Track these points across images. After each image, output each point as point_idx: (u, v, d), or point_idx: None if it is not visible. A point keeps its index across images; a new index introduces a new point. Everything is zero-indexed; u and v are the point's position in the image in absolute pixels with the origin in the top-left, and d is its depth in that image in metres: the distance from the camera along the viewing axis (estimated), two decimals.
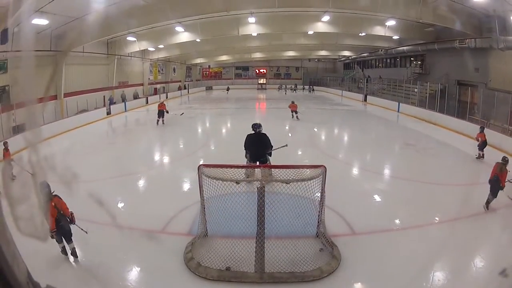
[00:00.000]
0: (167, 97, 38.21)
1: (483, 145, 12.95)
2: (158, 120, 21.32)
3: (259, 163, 9.27)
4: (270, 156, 9.56)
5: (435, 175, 11.36)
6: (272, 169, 6.26)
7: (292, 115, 23.26)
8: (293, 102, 23.78)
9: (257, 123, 9.74)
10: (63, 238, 6.19)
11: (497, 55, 19.74)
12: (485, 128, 13.66)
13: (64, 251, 6.29)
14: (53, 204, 5.97)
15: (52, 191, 5.99)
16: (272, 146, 9.43)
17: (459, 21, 20.13)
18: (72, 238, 6.28)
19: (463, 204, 8.95)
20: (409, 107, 25.77)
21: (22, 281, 1.32)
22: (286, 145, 9.98)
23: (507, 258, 6.35)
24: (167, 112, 21.41)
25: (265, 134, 9.63)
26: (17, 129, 15.32)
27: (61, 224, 6.06)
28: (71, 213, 6.35)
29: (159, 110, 21.26)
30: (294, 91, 48.72)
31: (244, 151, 9.78)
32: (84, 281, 5.95)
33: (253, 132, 9.70)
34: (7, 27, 14.31)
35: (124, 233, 7.51)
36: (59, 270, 5.88)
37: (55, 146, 15.76)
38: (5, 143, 11.30)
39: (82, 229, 6.34)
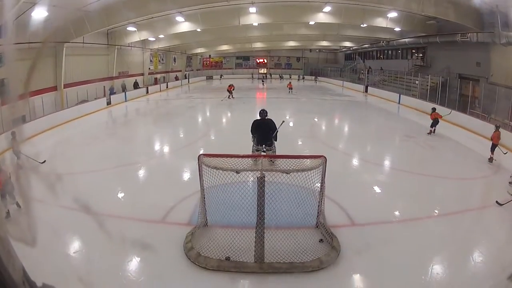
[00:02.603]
0: (167, 87, 38.11)
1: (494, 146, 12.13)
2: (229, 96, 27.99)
3: (266, 146, 9.55)
4: (276, 140, 9.70)
5: (436, 168, 11.35)
6: (273, 159, 6.25)
7: (289, 91, 33.56)
8: (290, 82, 35.68)
9: (264, 110, 9.98)
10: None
11: (499, 50, 19.60)
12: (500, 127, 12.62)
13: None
14: None
15: None
16: (277, 129, 9.62)
17: (461, 15, 20.03)
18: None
19: (463, 198, 8.96)
20: (410, 99, 25.69)
21: (17, 280, 1.30)
22: (284, 121, 10.11)
23: (506, 252, 6.37)
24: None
25: (271, 119, 9.85)
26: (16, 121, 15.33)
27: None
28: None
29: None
30: (303, 80, 51.34)
31: (251, 135, 9.98)
32: (82, 275, 5.96)
33: (260, 118, 9.90)
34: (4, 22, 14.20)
35: (123, 223, 7.55)
36: (57, 268, 5.87)
37: (56, 137, 15.76)
38: (13, 133, 11.34)
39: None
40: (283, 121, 10.09)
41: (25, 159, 11.01)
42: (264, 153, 9.28)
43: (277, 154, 9.34)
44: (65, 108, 20.33)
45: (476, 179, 10.50)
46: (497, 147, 11.83)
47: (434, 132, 16.24)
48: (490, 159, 11.83)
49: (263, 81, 45.24)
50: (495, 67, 20.57)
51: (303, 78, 52.61)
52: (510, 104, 15.81)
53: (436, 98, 22.20)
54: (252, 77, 56.08)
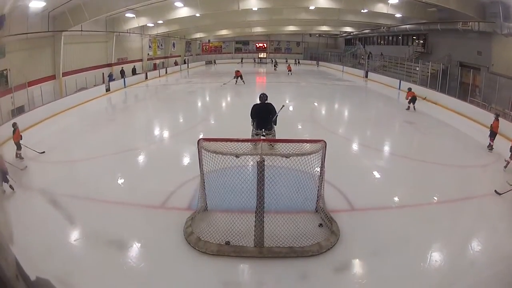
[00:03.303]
0: (166, 72, 37.85)
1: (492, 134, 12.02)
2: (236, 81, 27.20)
3: (265, 131, 9.58)
4: (275, 124, 9.69)
5: (435, 155, 11.32)
6: (273, 143, 6.23)
7: (288, 73, 36.22)
8: (289, 65, 39.68)
9: (264, 94, 9.99)
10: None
11: (501, 41, 19.46)
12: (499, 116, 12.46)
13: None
14: None
15: None
16: (276, 113, 9.60)
17: (462, 3, 19.82)
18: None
19: (463, 185, 8.96)
20: (410, 85, 25.49)
21: (10, 275, 1.26)
22: (283, 106, 10.09)
23: (504, 241, 6.41)
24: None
25: (271, 103, 9.86)
26: (16, 112, 15.34)
27: None
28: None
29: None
30: (298, 64, 50.08)
31: (251, 119, 10.03)
32: (81, 262, 5.99)
33: (260, 102, 9.89)
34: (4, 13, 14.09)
35: (123, 209, 7.57)
36: (56, 256, 5.89)
37: (55, 125, 15.69)
38: (14, 124, 11.35)
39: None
40: (283, 105, 10.06)
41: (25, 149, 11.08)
42: (264, 137, 9.27)
43: (277, 138, 9.32)
44: (64, 96, 20.13)
45: (476, 167, 10.48)
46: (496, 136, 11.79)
47: (414, 109, 18.41)
48: (490, 147, 11.77)
49: (275, 66, 44.18)
50: (496, 57, 20.43)
51: (299, 62, 51.64)
52: (511, 94, 15.70)
53: (437, 85, 22.04)
54: (255, 61, 55.71)
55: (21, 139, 11.18)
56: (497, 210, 7.72)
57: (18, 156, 11.21)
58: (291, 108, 18.25)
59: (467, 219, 7.42)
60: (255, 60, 56.18)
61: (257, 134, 9.60)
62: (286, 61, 50.31)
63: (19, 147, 11.21)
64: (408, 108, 18.54)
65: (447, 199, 8.15)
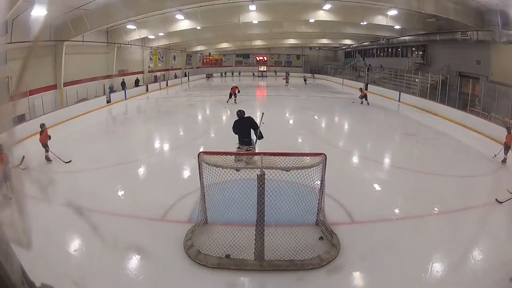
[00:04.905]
0: (167, 85, 38.06)
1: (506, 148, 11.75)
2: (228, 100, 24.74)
3: (245, 146, 9.53)
4: (262, 137, 9.67)
5: (435, 166, 11.34)
6: (272, 156, 6.22)
7: (286, 84, 38.59)
8: (287, 77, 41.43)
9: (241, 110, 9.97)
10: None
11: (499, 49, 19.61)
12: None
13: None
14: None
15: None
16: (258, 127, 9.63)
17: (461, 13, 19.99)
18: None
19: (463, 195, 8.96)
20: (410, 97, 25.65)
21: (16, 281, 1.28)
22: (263, 113, 10.12)
23: (506, 250, 6.38)
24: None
25: (249, 117, 9.86)
26: (17, 120, 15.42)
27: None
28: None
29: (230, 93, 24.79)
30: (305, 83, 43.91)
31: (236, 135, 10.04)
32: (82, 274, 5.97)
33: (238, 118, 9.92)
34: (5, 19, 14.35)
35: (123, 221, 7.56)
36: (57, 267, 5.87)
37: (56, 135, 15.71)
38: (43, 125, 11.69)
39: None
40: (263, 113, 10.10)
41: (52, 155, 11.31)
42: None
43: (277, 152, 9.33)
44: (65, 107, 20.28)
45: (476, 177, 10.49)
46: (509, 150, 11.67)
47: (368, 104, 24.37)
48: (504, 161, 11.52)
49: (287, 77, 43.63)
50: (495, 65, 20.54)
51: (305, 80, 45.12)
52: (511, 103, 15.78)
53: (436, 96, 22.17)
54: (254, 74, 55.78)
55: (50, 139, 11.39)
56: (498, 219, 7.72)
57: (47, 159, 11.34)
58: (291, 122, 18.28)
59: (468, 228, 7.41)
60: (254, 74, 56.07)
61: (239, 149, 9.62)
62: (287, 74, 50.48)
63: (46, 148, 11.24)
64: (362, 102, 24.75)
65: (448, 210, 8.15)
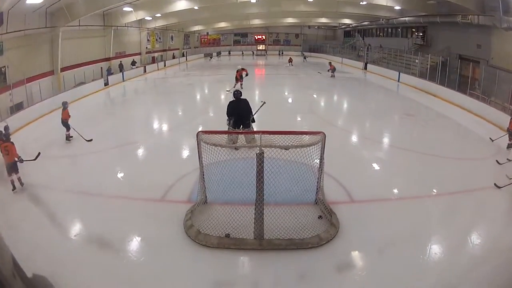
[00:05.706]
0: (165, 65, 37.70)
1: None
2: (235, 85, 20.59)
3: (243, 127, 9.52)
4: (254, 122, 9.67)
5: (434, 147, 11.27)
6: (272, 135, 6.18)
7: (289, 64, 38.07)
8: (290, 57, 40.31)
9: (238, 91, 10.02)
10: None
11: (500, 34, 19.40)
12: None
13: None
14: (4, 145, 7.93)
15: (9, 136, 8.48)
16: (252, 112, 9.58)
17: None
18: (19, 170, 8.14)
19: (462, 178, 8.93)
20: (409, 77, 25.42)
21: (6, 273, 1.23)
22: (264, 102, 10.05)
23: (504, 235, 6.41)
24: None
25: (245, 99, 9.85)
26: (14, 109, 15.35)
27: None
28: (19, 157, 8.20)
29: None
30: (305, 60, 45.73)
31: (227, 117, 9.95)
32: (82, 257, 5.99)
33: (234, 99, 9.86)
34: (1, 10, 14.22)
35: (123, 203, 7.57)
36: (57, 250, 5.89)
37: (54, 121, 15.61)
38: (64, 103, 11.85)
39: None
40: (264, 102, 10.02)
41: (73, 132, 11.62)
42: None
43: (276, 130, 9.32)
44: (63, 91, 19.99)
45: (475, 160, 10.42)
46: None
47: (334, 77, 27.65)
48: (509, 146, 11.31)
49: (305, 57, 45.03)
50: (495, 50, 20.38)
51: (305, 58, 46.44)
52: (511, 88, 15.66)
53: (436, 77, 21.98)
54: (253, 53, 55.34)
55: (70, 118, 11.54)
56: (496, 203, 7.67)
57: (67, 138, 11.56)
58: (290, 100, 18.14)
59: (467, 212, 7.38)
60: (253, 53, 55.78)
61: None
62: (280, 53, 51.48)
63: (67, 127, 11.40)
64: (333, 76, 27.71)
65: (446, 192, 8.14)
